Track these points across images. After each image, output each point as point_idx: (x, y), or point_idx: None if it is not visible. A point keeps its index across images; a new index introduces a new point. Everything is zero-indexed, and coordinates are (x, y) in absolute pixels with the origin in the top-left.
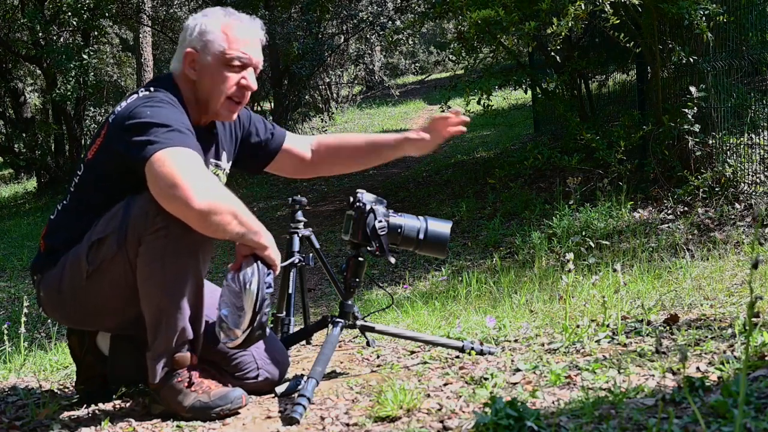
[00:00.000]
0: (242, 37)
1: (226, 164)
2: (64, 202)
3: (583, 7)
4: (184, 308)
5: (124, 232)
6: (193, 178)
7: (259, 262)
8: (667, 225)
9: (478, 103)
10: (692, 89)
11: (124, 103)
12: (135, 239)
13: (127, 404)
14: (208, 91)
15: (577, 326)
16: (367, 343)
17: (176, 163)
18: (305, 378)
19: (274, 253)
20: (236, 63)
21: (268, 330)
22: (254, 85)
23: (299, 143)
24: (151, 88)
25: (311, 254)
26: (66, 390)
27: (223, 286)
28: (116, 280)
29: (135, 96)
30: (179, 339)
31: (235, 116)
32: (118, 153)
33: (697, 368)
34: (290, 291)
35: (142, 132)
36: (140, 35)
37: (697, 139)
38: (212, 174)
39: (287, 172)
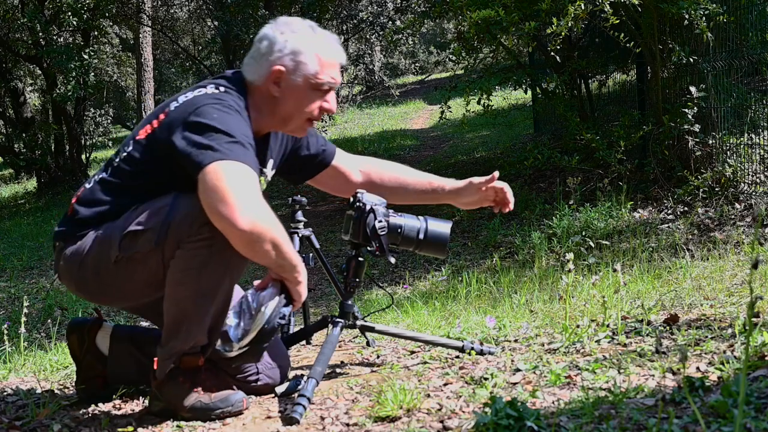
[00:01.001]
0: (332, 60)
1: (270, 172)
2: (104, 174)
3: (582, 7)
4: (207, 319)
5: (165, 232)
6: (243, 199)
7: (284, 294)
8: (667, 225)
9: (478, 103)
10: (692, 89)
11: (190, 95)
12: (175, 242)
13: (127, 404)
14: (290, 110)
15: (577, 326)
16: (367, 343)
17: (231, 179)
18: (305, 378)
19: (303, 290)
20: (325, 87)
21: (263, 357)
22: (335, 108)
23: (348, 163)
24: (222, 88)
25: (311, 254)
26: (66, 390)
27: (242, 295)
28: (144, 273)
29: (203, 91)
30: (194, 344)
31: (306, 133)
32: (172, 143)
33: (697, 368)
34: None
35: (205, 134)
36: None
37: (697, 139)
38: (262, 197)
39: (329, 188)
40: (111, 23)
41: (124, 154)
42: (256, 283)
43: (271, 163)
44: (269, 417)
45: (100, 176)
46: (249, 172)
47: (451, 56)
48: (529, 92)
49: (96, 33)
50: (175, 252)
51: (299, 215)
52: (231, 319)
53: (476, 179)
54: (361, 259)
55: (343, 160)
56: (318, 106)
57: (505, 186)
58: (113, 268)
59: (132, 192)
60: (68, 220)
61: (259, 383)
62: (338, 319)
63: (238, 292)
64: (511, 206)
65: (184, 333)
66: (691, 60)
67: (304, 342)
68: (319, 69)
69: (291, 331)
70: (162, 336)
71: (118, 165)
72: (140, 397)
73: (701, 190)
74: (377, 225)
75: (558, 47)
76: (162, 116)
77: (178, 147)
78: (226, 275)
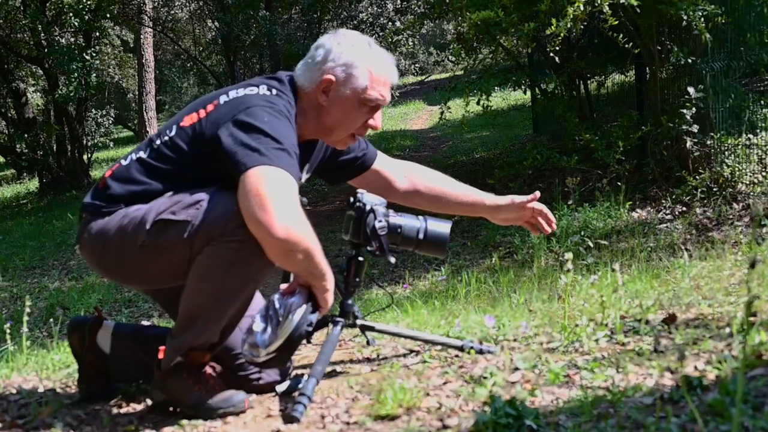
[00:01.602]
0: (383, 77)
1: (304, 176)
2: (142, 153)
3: (581, 8)
4: (225, 318)
5: (198, 227)
6: (282, 207)
7: (311, 301)
8: (665, 225)
9: (478, 103)
10: (690, 90)
11: (241, 91)
12: (205, 238)
13: (129, 403)
14: (335, 122)
15: (576, 325)
16: (367, 342)
17: (272, 186)
18: (306, 377)
19: (330, 297)
20: (373, 104)
21: (289, 363)
22: (380, 126)
23: (391, 167)
24: (274, 90)
25: None
26: (68, 389)
27: (269, 299)
28: (168, 262)
29: (255, 90)
30: (205, 341)
31: (346, 146)
32: (218, 139)
33: (695, 367)
34: None
35: (252, 135)
36: (141, 36)
37: (696, 140)
38: (300, 207)
39: (372, 190)
40: (112, 24)
41: (166, 138)
42: (283, 286)
43: (307, 167)
44: (270, 415)
45: (138, 155)
46: (291, 181)
47: (450, 57)
48: (528, 93)
49: (98, 34)
50: (204, 248)
51: None
52: (258, 325)
53: (518, 198)
54: (361, 258)
55: (385, 164)
56: (363, 122)
57: (544, 208)
58: (138, 252)
59: (168, 178)
60: (99, 193)
61: (261, 382)
62: (338, 319)
63: (257, 296)
64: (554, 227)
65: (199, 328)
66: (690, 61)
67: (304, 341)
68: (369, 84)
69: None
70: (174, 327)
71: (158, 148)
72: (142, 396)
73: (699, 190)
74: (377, 225)
75: (557, 48)
76: (210, 107)
77: (224, 144)
78: (251, 280)
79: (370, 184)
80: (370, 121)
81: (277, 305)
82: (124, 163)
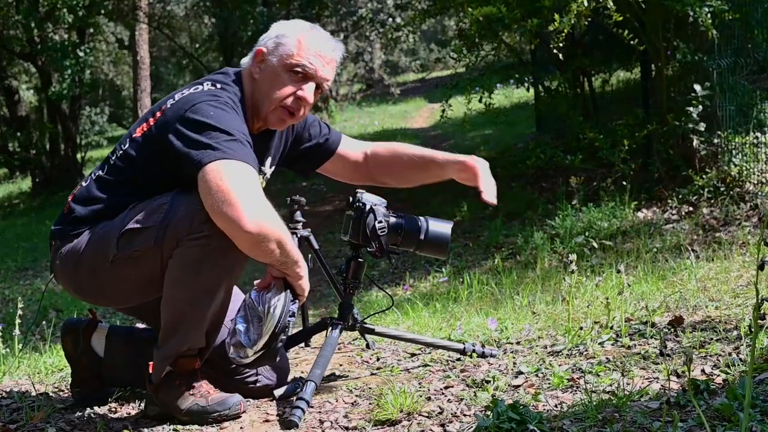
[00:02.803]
0: (314, 48)
1: (268, 169)
2: (100, 172)
3: (585, 4)
4: (206, 321)
5: (164, 230)
6: (248, 199)
7: (288, 290)
8: (671, 225)
9: (480, 101)
10: (697, 87)
11: (186, 91)
12: (174, 240)
13: (123, 407)
14: (264, 92)
15: (580, 328)
16: (367, 346)
17: (233, 179)
18: (304, 381)
19: (306, 283)
20: (299, 71)
21: (278, 357)
22: (311, 99)
23: (354, 147)
24: (218, 85)
25: (310, 255)
26: (61, 393)
27: (244, 299)
28: (141, 273)
29: (199, 88)
30: (191, 347)
31: (284, 126)
32: (169, 143)
33: (702, 371)
34: None
35: (202, 132)
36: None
37: (702, 138)
38: (263, 194)
39: (340, 176)
40: (107, 20)
41: (121, 152)
42: (257, 283)
43: (269, 161)
44: (267, 420)
45: (97, 174)
46: (250, 170)
47: (452, 54)
48: (532, 90)
49: (92, 30)
50: (174, 251)
51: (298, 215)
52: (240, 326)
53: (461, 157)
54: (360, 259)
55: (348, 145)
56: (291, 92)
57: (479, 167)
58: (110, 268)
59: (128, 190)
60: (64, 218)
61: (258, 384)
62: (337, 321)
63: (238, 295)
64: (486, 197)
65: (182, 334)
66: (696, 58)
67: (303, 344)
68: (297, 51)
69: (290, 333)
70: (159, 338)
71: (114, 163)
72: (136, 400)
73: (706, 189)
74: (377, 225)
75: (561, 45)
76: (158, 114)
77: (176, 146)
78: (225, 275)
79: (338, 171)
80: (299, 92)
81: (255, 302)
82: (84, 184)
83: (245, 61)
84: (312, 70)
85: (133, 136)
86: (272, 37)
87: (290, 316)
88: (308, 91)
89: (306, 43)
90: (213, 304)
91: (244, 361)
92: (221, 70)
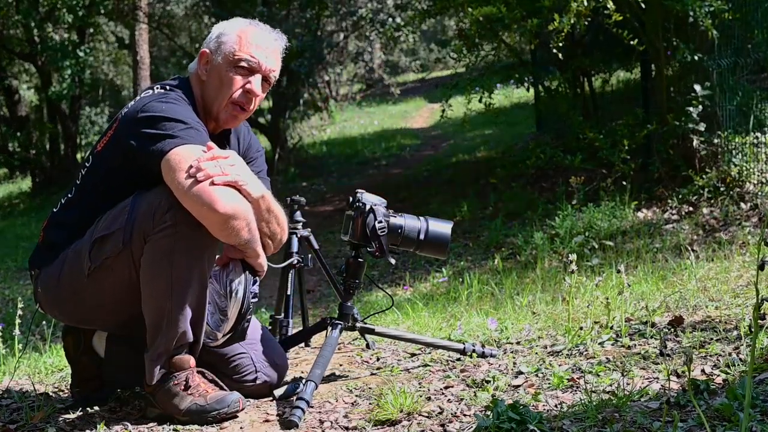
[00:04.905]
0: (255, 41)
1: None
2: (69, 195)
3: (585, 4)
4: (187, 311)
5: (130, 230)
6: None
7: (247, 271)
8: (671, 225)
9: (480, 101)
10: (697, 87)
11: (137, 99)
12: (141, 238)
13: (123, 407)
14: (214, 91)
15: (580, 328)
16: (367, 346)
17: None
18: (304, 381)
19: (264, 261)
20: (244, 65)
21: (247, 336)
22: (258, 91)
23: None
24: (167, 87)
25: (310, 255)
26: (61, 393)
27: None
28: (118, 279)
29: (149, 92)
30: (179, 341)
31: (237, 122)
32: (129, 147)
33: (702, 371)
34: (289, 292)
35: (157, 126)
36: (136, 33)
37: (702, 138)
38: None
39: None
40: (107, 20)
41: (85, 170)
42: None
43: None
44: (267, 420)
45: (65, 198)
46: None
47: (452, 54)
48: (532, 90)
49: (91, 30)
50: (144, 248)
51: (298, 215)
52: None
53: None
54: (360, 259)
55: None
56: (240, 87)
57: None
58: (87, 284)
59: (96, 206)
60: (40, 247)
61: (257, 382)
62: (337, 321)
63: None
64: None
65: (166, 329)
66: (696, 58)
67: (302, 344)
68: (238, 47)
69: (289, 333)
70: (147, 341)
71: (81, 182)
72: (136, 400)
73: (706, 189)
74: (377, 225)
75: (561, 44)
76: (116, 125)
77: (137, 146)
78: (196, 262)
79: None
80: (248, 86)
81: (215, 283)
82: (55, 211)
83: (192, 65)
84: (255, 62)
85: (96, 151)
86: (213, 38)
87: (253, 297)
88: (255, 83)
89: (246, 38)
90: (190, 292)
91: (214, 344)
92: (172, 77)
